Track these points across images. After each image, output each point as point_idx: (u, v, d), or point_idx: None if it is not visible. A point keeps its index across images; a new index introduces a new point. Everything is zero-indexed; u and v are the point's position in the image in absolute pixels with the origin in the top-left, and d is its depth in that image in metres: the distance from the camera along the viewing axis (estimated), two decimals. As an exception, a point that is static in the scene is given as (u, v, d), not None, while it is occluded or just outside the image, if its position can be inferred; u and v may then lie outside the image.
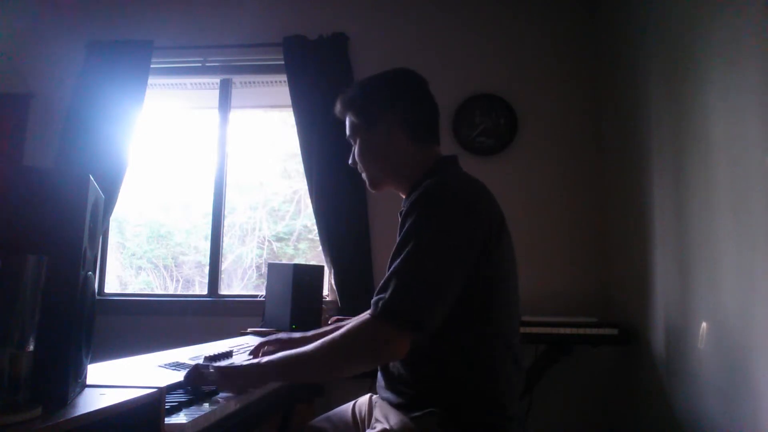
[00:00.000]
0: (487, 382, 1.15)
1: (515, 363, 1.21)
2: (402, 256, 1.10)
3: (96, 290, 0.86)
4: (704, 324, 1.80)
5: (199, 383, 1.11)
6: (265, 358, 1.17)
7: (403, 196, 1.35)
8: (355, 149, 1.36)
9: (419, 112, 1.33)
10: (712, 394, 1.75)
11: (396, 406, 1.20)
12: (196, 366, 1.13)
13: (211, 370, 1.14)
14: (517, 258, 1.26)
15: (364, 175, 1.38)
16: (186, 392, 1.06)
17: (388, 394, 1.24)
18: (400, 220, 1.30)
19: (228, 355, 1.47)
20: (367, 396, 1.41)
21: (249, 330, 2.19)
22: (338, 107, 1.38)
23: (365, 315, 1.13)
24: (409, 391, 1.18)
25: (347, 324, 1.16)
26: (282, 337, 1.49)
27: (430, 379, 1.15)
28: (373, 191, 1.40)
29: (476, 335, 1.15)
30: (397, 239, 1.23)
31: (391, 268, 1.11)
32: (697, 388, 1.83)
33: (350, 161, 1.40)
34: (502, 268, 1.18)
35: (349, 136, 1.38)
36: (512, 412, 1.16)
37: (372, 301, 1.11)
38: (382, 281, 1.11)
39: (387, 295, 1.07)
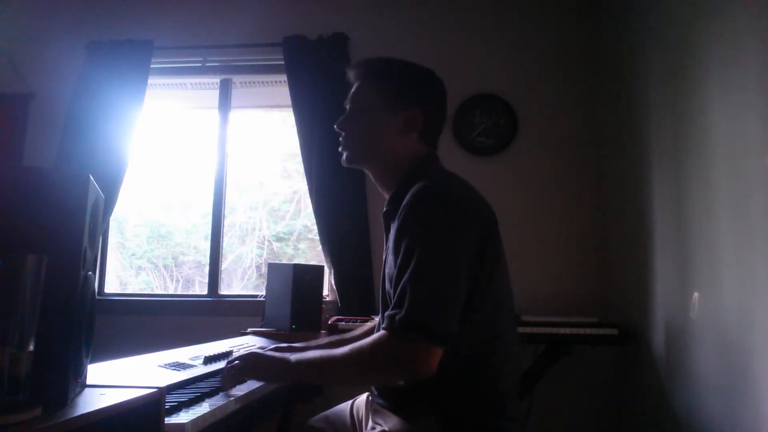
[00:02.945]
0: (486, 384, 1.14)
1: (513, 362, 1.20)
2: (410, 268, 1.07)
3: (96, 290, 0.86)
4: (696, 294, 1.81)
5: (237, 380, 1.14)
6: (296, 356, 1.17)
7: (381, 189, 1.33)
8: (353, 117, 1.31)
9: (438, 118, 1.32)
10: (712, 394, 1.75)
11: (392, 409, 1.20)
12: (228, 366, 1.17)
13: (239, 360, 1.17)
14: (517, 258, 1.26)
15: (344, 147, 1.32)
16: (187, 391, 1.07)
17: (382, 399, 1.23)
18: (384, 222, 1.28)
19: (228, 355, 1.47)
20: (365, 395, 1.40)
21: (249, 330, 2.19)
22: (359, 71, 1.32)
23: (381, 331, 1.09)
24: (404, 394, 1.17)
25: (369, 338, 1.12)
26: (282, 346, 1.46)
27: (427, 381, 1.15)
28: (345, 166, 1.34)
29: (473, 336, 1.13)
30: (387, 244, 1.21)
31: (402, 283, 1.07)
32: (697, 387, 1.83)
33: (338, 125, 1.33)
34: (497, 267, 1.18)
35: (354, 101, 1.32)
36: (511, 413, 1.16)
37: (386, 315, 1.08)
38: (394, 297, 1.08)
39: (404, 311, 1.04)
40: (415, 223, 1.11)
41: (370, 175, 1.35)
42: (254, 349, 1.26)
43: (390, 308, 1.09)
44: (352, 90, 1.33)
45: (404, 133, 1.27)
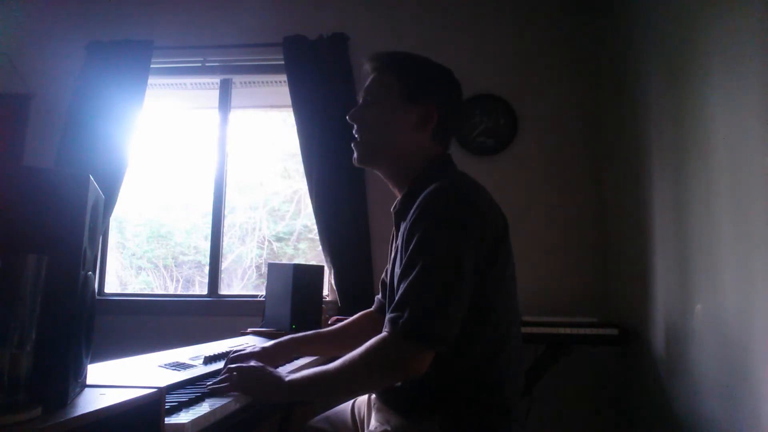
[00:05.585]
0: (491, 386, 1.14)
1: (517, 365, 1.20)
2: (416, 270, 1.06)
3: (96, 290, 0.86)
4: (698, 306, 1.82)
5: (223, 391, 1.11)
6: (290, 377, 1.15)
7: (393, 187, 1.30)
8: (367, 109, 1.27)
9: (452, 117, 1.29)
10: (712, 394, 1.75)
11: (396, 408, 1.20)
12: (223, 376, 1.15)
13: (233, 373, 1.14)
14: (517, 258, 1.26)
15: (356, 144, 1.28)
16: (187, 391, 1.06)
17: (386, 397, 1.24)
18: (394, 219, 1.27)
19: (228, 355, 1.47)
20: (366, 396, 1.40)
21: (249, 330, 2.19)
22: (375, 63, 1.29)
23: (382, 334, 1.09)
24: (409, 394, 1.18)
25: (364, 344, 1.11)
26: (256, 350, 1.37)
27: (432, 382, 1.14)
28: (357, 165, 1.30)
29: (480, 339, 1.13)
30: (396, 242, 1.20)
31: (406, 284, 1.07)
32: (697, 387, 1.83)
33: (350, 116, 1.29)
34: (507, 272, 1.17)
35: (369, 93, 1.28)
36: (514, 414, 1.16)
37: (388, 318, 1.07)
38: (396, 297, 1.08)
39: (406, 314, 1.04)
40: (426, 224, 1.09)
41: (381, 174, 1.31)
42: (252, 363, 1.21)
43: (391, 310, 1.08)
44: (368, 82, 1.30)
45: (418, 129, 1.24)
